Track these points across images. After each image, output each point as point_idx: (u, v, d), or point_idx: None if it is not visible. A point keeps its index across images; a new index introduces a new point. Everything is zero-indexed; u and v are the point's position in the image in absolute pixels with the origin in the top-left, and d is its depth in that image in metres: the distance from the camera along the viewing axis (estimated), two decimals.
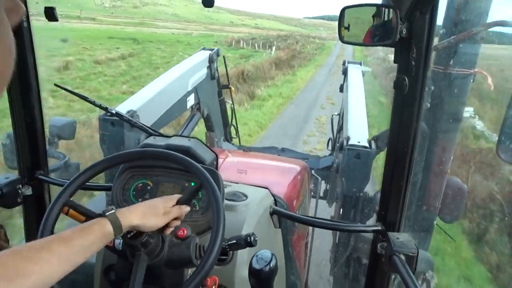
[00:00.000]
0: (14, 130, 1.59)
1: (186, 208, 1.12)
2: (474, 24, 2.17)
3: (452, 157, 2.52)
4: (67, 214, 1.10)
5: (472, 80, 2.33)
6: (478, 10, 2.17)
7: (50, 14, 1.44)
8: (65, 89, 1.75)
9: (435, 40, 1.96)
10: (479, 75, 2.30)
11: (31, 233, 1.71)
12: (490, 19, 2.21)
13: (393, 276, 1.44)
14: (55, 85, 1.72)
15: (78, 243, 0.86)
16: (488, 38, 2.25)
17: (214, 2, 1.53)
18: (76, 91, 1.71)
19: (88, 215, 1.09)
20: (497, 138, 1.47)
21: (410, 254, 1.22)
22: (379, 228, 1.38)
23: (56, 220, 1.06)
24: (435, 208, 2.49)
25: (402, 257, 1.22)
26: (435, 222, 2.58)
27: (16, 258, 0.75)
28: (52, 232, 1.04)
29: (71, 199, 1.11)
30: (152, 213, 1.03)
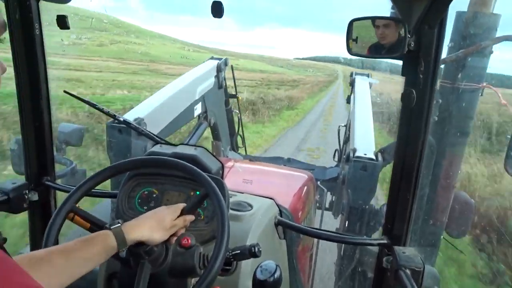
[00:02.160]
0: (23, 135, 1.60)
1: (191, 217, 1.12)
2: (482, 38, 2.17)
3: (459, 171, 2.50)
4: (72, 220, 1.10)
5: (480, 94, 2.32)
6: (487, 24, 2.17)
7: (62, 22, 1.46)
8: (75, 96, 1.76)
9: (443, 54, 1.96)
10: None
11: (36, 239, 1.72)
12: (499, 33, 2.21)
13: None
14: (65, 91, 1.73)
15: (79, 256, 0.85)
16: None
17: (223, 13, 1.54)
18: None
19: (93, 222, 1.10)
20: None
21: (416, 269, 1.21)
22: (385, 241, 1.36)
23: (61, 226, 1.06)
24: (442, 223, 2.46)
25: (408, 272, 1.20)
26: (442, 236, 2.55)
27: (16, 269, 0.75)
28: (57, 238, 1.04)
29: (77, 205, 1.11)
30: (158, 227, 1.02)
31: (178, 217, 1.09)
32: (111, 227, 0.95)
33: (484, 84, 2.30)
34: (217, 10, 1.56)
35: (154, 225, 1.02)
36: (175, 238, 1.11)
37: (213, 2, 1.54)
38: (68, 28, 1.46)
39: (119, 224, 0.97)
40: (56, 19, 1.46)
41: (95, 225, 1.10)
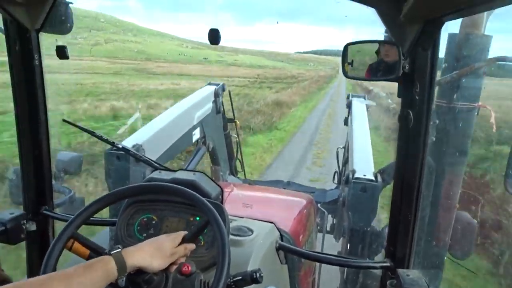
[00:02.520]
0: (21, 164, 1.60)
1: (192, 246, 1.11)
2: (476, 59, 2.20)
3: (460, 191, 2.49)
4: (70, 249, 1.09)
5: (476, 113, 2.34)
6: (479, 46, 2.21)
7: (61, 52, 1.49)
8: (74, 125, 1.77)
9: (438, 75, 1.99)
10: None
11: (34, 269, 1.69)
12: (492, 53, 2.25)
13: None
14: (64, 120, 1.75)
15: (79, 281, 0.84)
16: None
17: (220, 40, 1.57)
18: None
19: (93, 249, 1.08)
20: None
21: None
22: (388, 264, 1.34)
23: (59, 256, 1.04)
24: (445, 244, 2.43)
25: None
26: (445, 258, 2.51)
27: None
28: (54, 268, 1.02)
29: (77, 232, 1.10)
30: (158, 255, 1.01)
31: (179, 245, 1.07)
32: (111, 252, 0.94)
33: (480, 103, 2.32)
34: (214, 37, 1.60)
35: (154, 252, 1.01)
36: (175, 267, 1.09)
37: (210, 30, 1.57)
38: (67, 57, 1.48)
39: (119, 250, 0.96)
40: (56, 50, 1.48)
41: (94, 252, 1.08)
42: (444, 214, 2.43)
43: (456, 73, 2.21)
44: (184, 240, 1.09)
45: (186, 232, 1.12)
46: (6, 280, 1.37)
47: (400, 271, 1.28)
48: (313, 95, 32.44)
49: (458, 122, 2.33)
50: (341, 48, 1.25)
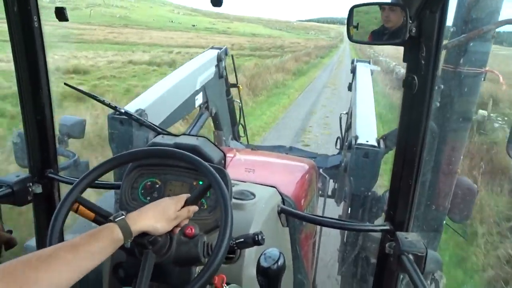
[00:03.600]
0: (25, 128, 1.60)
1: (195, 208, 1.13)
2: (485, 23, 2.14)
3: (461, 157, 2.49)
4: (76, 211, 1.11)
5: (483, 79, 2.30)
6: (489, 8, 2.15)
7: (61, 14, 1.45)
8: (75, 88, 1.76)
9: (445, 39, 1.94)
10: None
11: (41, 231, 1.73)
12: (501, 17, 2.18)
13: (401, 276, 1.43)
14: (65, 84, 1.73)
15: (86, 250, 0.86)
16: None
17: (222, 2, 1.53)
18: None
19: (98, 212, 1.11)
20: None
21: (419, 254, 1.21)
22: (388, 227, 1.37)
23: (65, 218, 1.07)
24: (445, 208, 2.47)
25: (411, 257, 1.21)
26: (444, 221, 2.56)
27: (25, 267, 0.76)
28: (62, 229, 1.05)
29: (81, 196, 1.12)
30: (162, 218, 1.03)
31: (182, 207, 1.09)
32: (116, 220, 0.96)
33: (487, 68, 2.28)
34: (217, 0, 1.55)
35: (158, 216, 1.03)
36: (178, 229, 1.11)
37: None
38: (67, 19, 1.45)
39: (123, 216, 0.97)
40: (55, 11, 1.45)
41: (99, 215, 1.11)
42: (445, 179, 2.46)
43: (464, 36, 2.15)
44: (187, 203, 1.11)
45: (188, 195, 1.14)
46: (11, 241, 1.41)
47: (399, 233, 1.30)
48: (309, 67, 25.02)
49: (463, 88, 2.30)
50: (345, 17, 1.22)
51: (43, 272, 0.77)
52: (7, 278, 0.72)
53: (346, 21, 1.24)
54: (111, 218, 0.97)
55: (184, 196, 1.12)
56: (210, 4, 1.36)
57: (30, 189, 1.64)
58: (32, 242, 1.97)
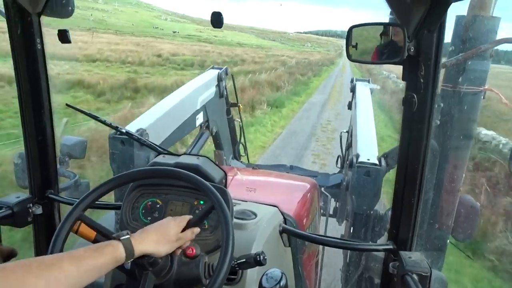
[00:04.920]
0: (26, 149, 1.61)
1: (197, 230, 1.12)
2: (482, 42, 2.17)
3: (464, 175, 2.49)
4: (76, 232, 1.10)
5: (482, 97, 2.32)
6: (486, 27, 2.18)
7: (64, 36, 1.48)
8: (77, 109, 1.77)
9: (443, 58, 1.96)
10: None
11: (41, 252, 1.71)
12: (499, 36, 2.21)
13: None
14: (67, 105, 1.75)
15: (88, 263, 0.85)
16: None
17: (223, 23, 1.55)
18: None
19: (99, 231, 1.10)
20: None
21: (423, 273, 1.20)
22: (391, 247, 1.35)
23: (66, 239, 1.06)
24: (448, 227, 2.45)
25: (415, 277, 1.19)
26: (448, 240, 2.53)
27: (24, 272, 0.75)
28: (62, 249, 1.04)
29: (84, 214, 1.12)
30: (165, 240, 1.03)
31: (184, 229, 1.08)
32: (121, 238, 0.95)
33: (486, 87, 2.30)
34: (217, 21, 1.58)
35: (161, 238, 1.02)
36: (180, 250, 1.10)
37: (213, 13, 1.55)
38: (69, 42, 1.47)
39: (128, 236, 0.97)
40: (58, 34, 1.47)
41: (101, 234, 1.10)
42: (448, 197, 2.44)
43: (462, 55, 2.18)
44: (189, 224, 1.10)
45: (191, 216, 1.13)
46: (12, 253, 1.39)
47: (403, 253, 1.28)
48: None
49: (463, 106, 2.31)
50: (346, 30, 1.24)
51: (41, 280, 0.76)
52: (4, 281, 0.71)
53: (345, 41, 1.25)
54: (114, 235, 0.96)
55: (187, 218, 1.11)
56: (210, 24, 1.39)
57: (30, 210, 1.63)
58: None
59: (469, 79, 2.25)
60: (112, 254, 0.91)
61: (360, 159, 2.35)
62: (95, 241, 1.13)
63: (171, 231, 1.05)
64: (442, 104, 2.31)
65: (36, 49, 1.48)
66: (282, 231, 1.60)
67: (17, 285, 0.72)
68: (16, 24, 1.42)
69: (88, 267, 0.85)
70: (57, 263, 0.81)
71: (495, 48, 2.23)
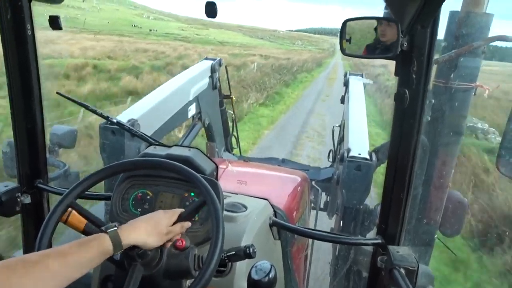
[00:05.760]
0: (15, 137, 1.58)
1: (188, 224, 1.11)
2: (475, 38, 2.18)
3: (453, 171, 2.51)
4: (65, 222, 1.10)
5: (473, 93, 2.33)
6: (479, 24, 2.19)
7: (55, 22, 1.45)
8: (67, 98, 1.75)
9: (436, 54, 1.97)
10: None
11: (29, 242, 1.70)
12: (492, 33, 2.23)
13: None
14: (57, 93, 1.72)
15: (74, 259, 0.84)
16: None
17: (217, 13, 1.54)
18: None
19: (91, 220, 1.09)
20: None
21: (411, 268, 1.21)
22: (379, 241, 1.36)
23: (55, 228, 1.05)
24: (436, 222, 2.48)
25: (402, 271, 1.21)
26: (435, 236, 2.56)
27: (10, 272, 0.74)
28: (50, 241, 1.03)
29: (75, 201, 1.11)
30: (154, 232, 1.01)
31: (175, 222, 1.08)
32: (108, 230, 0.94)
33: (477, 83, 2.31)
34: (211, 11, 1.56)
35: (150, 230, 1.01)
36: (170, 243, 1.10)
37: (207, 3, 1.53)
38: (60, 28, 1.45)
39: (116, 228, 0.95)
40: (49, 20, 1.44)
41: (92, 223, 1.09)
42: (436, 193, 2.47)
43: (455, 51, 2.19)
44: (180, 218, 1.09)
45: (182, 210, 1.12)
46: None
47: (391, 247, 1.30)
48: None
49: (454, 102, 2.33)
50: (338, 27, 1.23)
51: (27, 279, 0.75)
52: None
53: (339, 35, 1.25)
54: (103, 228, 0.96)
55: (178, 211, 1.11)
56: (203, 13, 1.37)
57: (19, 200, 1.61)
58: (19, 254, 1.93)
59: (460, 76, 2.27)
60: (98, 248, 0.90)
61: (351, 154, 2.36)
62: (84, 231, 1.12)
63: (161, 224, 1.04)
64: (433, 100, 2.33)
65: (27, 35, 1.45)
66: (272, 224, 1.61)
67: (3, 285, 0.71)
68: (7, 9, 1.39)
69: (74, 263, 0.84)
70: (43, 261, 0.80)
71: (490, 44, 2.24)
